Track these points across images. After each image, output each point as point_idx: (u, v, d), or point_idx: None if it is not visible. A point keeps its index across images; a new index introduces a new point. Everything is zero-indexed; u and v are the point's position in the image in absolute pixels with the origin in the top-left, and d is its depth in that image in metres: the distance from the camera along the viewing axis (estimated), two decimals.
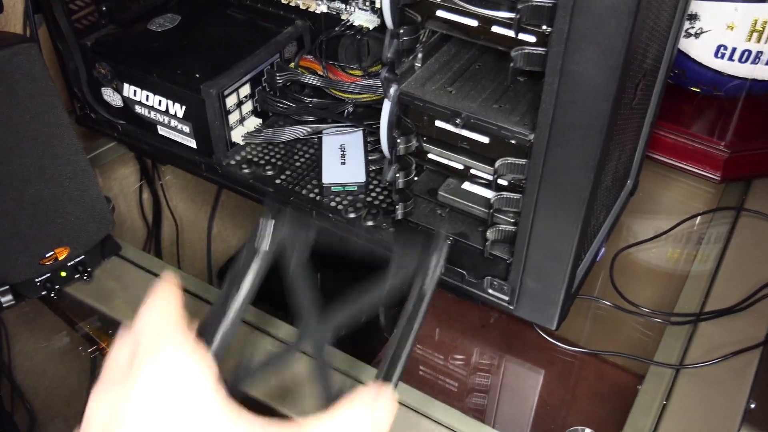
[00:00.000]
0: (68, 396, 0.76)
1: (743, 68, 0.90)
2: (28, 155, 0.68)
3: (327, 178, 0.77)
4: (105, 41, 0.86)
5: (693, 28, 0.90)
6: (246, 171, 0.81)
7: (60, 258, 0.74)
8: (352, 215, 0.75)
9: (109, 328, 0.74)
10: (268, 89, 0.84)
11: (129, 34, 0.87)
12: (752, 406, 0.67)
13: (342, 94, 0.83)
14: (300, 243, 0.43)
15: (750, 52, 0.88)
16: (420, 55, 0.65)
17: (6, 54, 0.64)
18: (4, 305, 0.73)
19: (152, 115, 0.84)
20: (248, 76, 0.81)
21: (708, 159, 0.93)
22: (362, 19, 0.80)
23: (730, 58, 0.90)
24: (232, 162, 0.82)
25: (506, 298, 0.67)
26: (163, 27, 0.87)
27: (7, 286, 0.73)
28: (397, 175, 0.67)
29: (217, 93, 0.77)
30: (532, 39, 0.53)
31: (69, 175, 0.71)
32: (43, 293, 0.75)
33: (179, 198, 0.97)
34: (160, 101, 0.82)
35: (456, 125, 0.60)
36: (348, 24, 0.81)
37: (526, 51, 0.53)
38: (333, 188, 0.77)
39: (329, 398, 0.39)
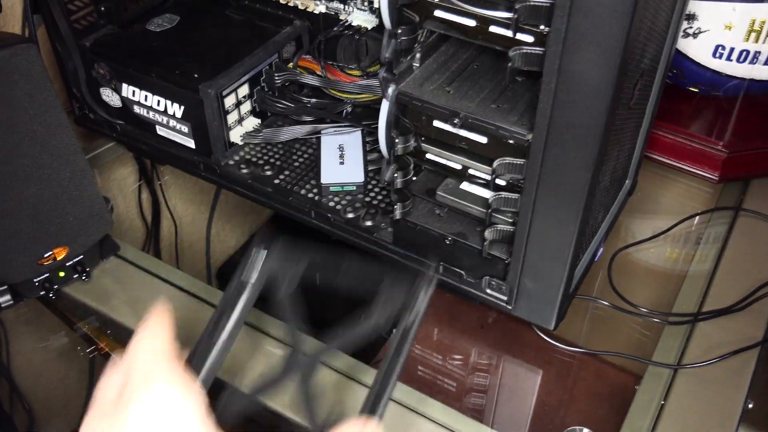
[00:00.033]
0: (67, 396, 0.76)
1: (741, 68, 0.90)
2: (27, 155, 0.68)
3: (325, 178, 0.77)
4: (104, 41, 0.86)
5: (691, 28, 0.90)
6: (245, 171, 0.81)
7: (58, 258, 0.74)
8: (350, 215, 0.75)
9: (108, 329, 0.74)
10: (266, 89, 0.84)
11: (128, 35, 0.87)
12: (750, 406, 0.67)
13: (340, 94, 0.83)
14: (290, 274, 0.44)
15: (748, 52, 0.88)
16: (418, 55, 0.65)
17: (5, 54, 0.64)
18: (2, 305, 0.73)
19: (151, 115, 0.84)
20: (247, 77, 0.81)
21: (706, 159, 0.93)
22: (361, 19, 0.81)
23: (728, 58, 0.90)
24: (231, 162, 0.82)
25: (504, 298, 0.68)
26: (162, 27, 0.87)
27: (6, 286, 0.73)
28: (396, 175, 0.67)
29: (216, 93, 0.77)
30: (530, 39, 0.54)
31: (68, 175, 0.71)
32: (42, 293, 0.75)
33: (178, 198, 0.97)
34: (158, 101, 0.82)
35: (454, 125, 0.60)
36: (346, 24, 0.81)
37: (524, 51, 0.54)
38: (331, 188, 0.77)
39: (315, 430, 0.40)
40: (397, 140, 0.65)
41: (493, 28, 0.55)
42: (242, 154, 0.83)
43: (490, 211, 0.64)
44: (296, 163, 0.82)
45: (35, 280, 0.74)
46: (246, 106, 0.83)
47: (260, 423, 0.64)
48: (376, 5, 0.78)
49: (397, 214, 0.70)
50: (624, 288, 0.79)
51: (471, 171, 0.65)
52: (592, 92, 0.51)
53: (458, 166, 0.65)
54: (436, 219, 0.71)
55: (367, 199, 0.77)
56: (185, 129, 0.82)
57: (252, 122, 0.84)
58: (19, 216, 0.69)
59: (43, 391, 0.76)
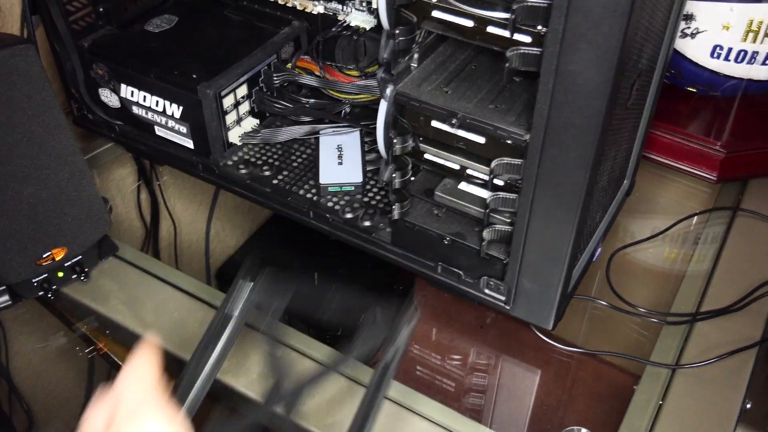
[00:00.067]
0: (66, 396, 0.76)
1: (739, 68, 0.90)
2: (26, 156, 0.68)
3: (324, 178, 0.77)
4: (102, 42, 0.86)
5: (689, 28, 0.90)
6: (243, 171, 0.81)
7: (57, 258, 0.74)
8: (349, 215, 0.75)
9: (107, 329, 0.75)
10: (265, 90, 0.84)
11: (126, 35, 0.87)
12: (748, 405, 0.67)
13: (339, 95, 0.83)
14: (275, 305, 0.45)
15: (746, 52, 0.88)
16: (416, 56, 0.65)
17: (3, 55, 0.64)
18: (1, 306, 0.73)
19: (149, 115, 0.84)
20: (245, 77, 0.81)
21: (704, 159, 0.93)
22: (359, 19, 0.81)
23: (726, 59, 0.90)
24: (230, 162, 0.82)
25: (503, 299, 0.68)
26: (160, 28, 0.87)
27: (4, 287, 0.73)
28: (394, 175, 0.67)
29: (214, 94, 0.77)
30: (527, 39, 0.54)
31: (66, 175, 0.71)
32: (40, 294, 0.75)
33: (177, 198, 0.97)
34: (157, 102, 0.82)
35: (452, 125, 0.61)
36: (345, 24, 0.82)
37: (522, 51, 0.54)
38: (330, 188, 0.77)
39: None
40: (395, 140, 0.65)
41: (490, 29, 0.56)
42: (241, 154, 0.83)
43: (488, 211, 0.64)
44: (295, 164, 0.82)
45: (34, 280, 0.74)
46: (244, 107, 0.83)
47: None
48: (374, 6, 0.79)
49: (396, 214, 0.70)
50: (622, 288, 0.79)
51: (469, 171, 0.65)
52: (589, 92, 0.51)
53: (456, 167, 0.65)
54: (435, 219, 0.71)
55: (366, 199, 0.77)
56: (184, 129, 0.82)
57: (250, 122, 0.84)
58: (17, 216, 0.69)
59: (41, 391, 0.76)
